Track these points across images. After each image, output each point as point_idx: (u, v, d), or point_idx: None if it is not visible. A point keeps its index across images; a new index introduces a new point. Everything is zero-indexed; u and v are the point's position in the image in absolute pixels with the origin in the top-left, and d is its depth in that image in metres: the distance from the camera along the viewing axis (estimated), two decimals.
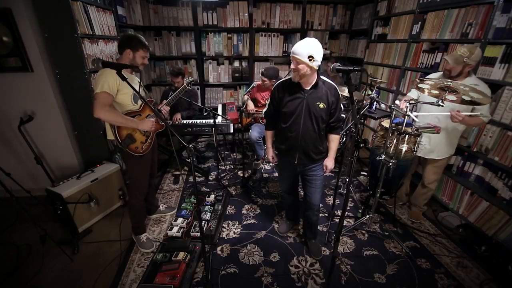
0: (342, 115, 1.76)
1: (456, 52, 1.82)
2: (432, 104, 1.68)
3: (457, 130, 2.05)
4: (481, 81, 1.85)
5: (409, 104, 1.79)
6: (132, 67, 1.66)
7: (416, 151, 2.02)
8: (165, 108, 2.26)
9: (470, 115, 1.79)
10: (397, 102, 2.07)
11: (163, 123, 1.95)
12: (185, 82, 2.32)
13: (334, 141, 1.75)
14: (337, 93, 1.62)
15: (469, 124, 1.89)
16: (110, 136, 1.78)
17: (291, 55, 1.47)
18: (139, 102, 1.80)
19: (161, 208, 2.45)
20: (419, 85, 1.81)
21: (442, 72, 2.04)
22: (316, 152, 1.71)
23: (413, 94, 2.23)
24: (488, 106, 1.82)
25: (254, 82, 2.96)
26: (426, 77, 2.09)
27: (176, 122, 2.88)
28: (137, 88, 1.70)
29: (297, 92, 1.60)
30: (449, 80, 1.62)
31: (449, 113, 1.84)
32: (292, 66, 1.49)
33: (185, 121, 2.93)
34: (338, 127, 1.73)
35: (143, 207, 2.12)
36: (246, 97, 3.09)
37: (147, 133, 1.86)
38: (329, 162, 1.77)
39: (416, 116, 1.82)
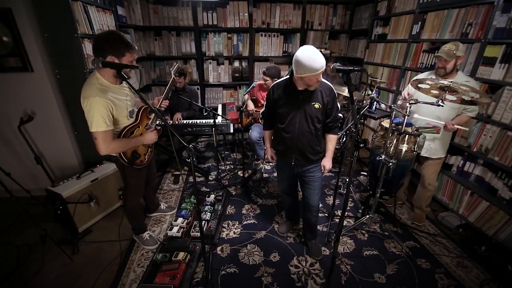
0: (340, 115, 1.75)
1: (444, 49, 1.88)
2: (432, 104, 1.68)
3: None
4: (468, 76, 1.98)
5: (409, 104, 1.80)
6: (133, 67, 1.61)
7: (416, 151, 2.02)
8: (164, 103, 2.16)
9: (460, 125, 1.90)
10: (399, 102, 2.08)
11: (159, 128, 1.91)
12: (172, 73, 2.09)
13: (332, 141, 1.74)
14: (332, 93, 1.61)
15: (461, 124, 1.96)
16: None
17: (317, 72, 1.39)
18: (134, 114, 1.71)
19: (161, 206, 2.45)
20: (419, 85, 1.81)
21: (430, 72, 2.09)
22: (313, 152, 1.70)
23: (410, 90, 2.18)
24: None
25: (254, 82, 2.96)
26: (415, 77, 2.09)
27: (177, 122, 2.88)
28: (128, 98, 1.62)
29: (292, 93, 1.59)
30: (447, 80, 1.63)
31: (443, 123, 1.90)
32: (319, 79, 1.47)
33: (185, 121, 2.93)
34: (336, 127, 1.72)
35: (141, 208, 2.11)
36: (246, 96, 3.09)
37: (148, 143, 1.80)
38: (327, 162, 1.76)
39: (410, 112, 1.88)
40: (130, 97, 1.67)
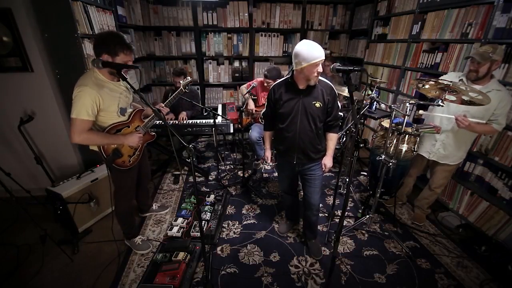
0: (340, 114, 1.76)
1: (479, 50, 1.72)
2: (438, 105, 1.67)
3: (473, 134, 1.97)
4: (503, 86, 1.76)
5: (409, 104, 1.79)
6: (133, 67, 1.61)
7: (416, 151, 2.02)
8: (163, 110, 2.16)
9: (478, 122, 1.70)
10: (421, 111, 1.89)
11: (153, 133, 1.92)
12: (181, 84, 2.18)
13: (332, 139, 1.75)
14: (333, 92, 1.62)
15: (479, 131, 1.82)
16: (93, 147, 1.64)
17: (316, 61, 1.41)
18: (127, 113, 1.70)
19: (153, 207, 2.43)
20: (418, 85, 1.81)
21: (460, 73, 1.94)
22: (315, 151, 1.71)
23: (450, 77, 1.97)
24: (505, 113, 1.74)
25: (254, 82, 2.95)
26: (441, 77, 1.91)
27: (183, 122, 2.86)
28: (121, 95, 1.62)
29: (293, 93, 1.60)
30: (475, 84, 1.56)
31: (453, 117, 1.75)
32: (319, 70, 1.46)
33: (185, 121, 2.93)
34: (336, 126, 1.73)
35: (132, 212, 2.06)
36: (246, 95, 3.08)
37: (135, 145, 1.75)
38: (328, 161, 1.77)
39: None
40: (124, 95, 1.66)
